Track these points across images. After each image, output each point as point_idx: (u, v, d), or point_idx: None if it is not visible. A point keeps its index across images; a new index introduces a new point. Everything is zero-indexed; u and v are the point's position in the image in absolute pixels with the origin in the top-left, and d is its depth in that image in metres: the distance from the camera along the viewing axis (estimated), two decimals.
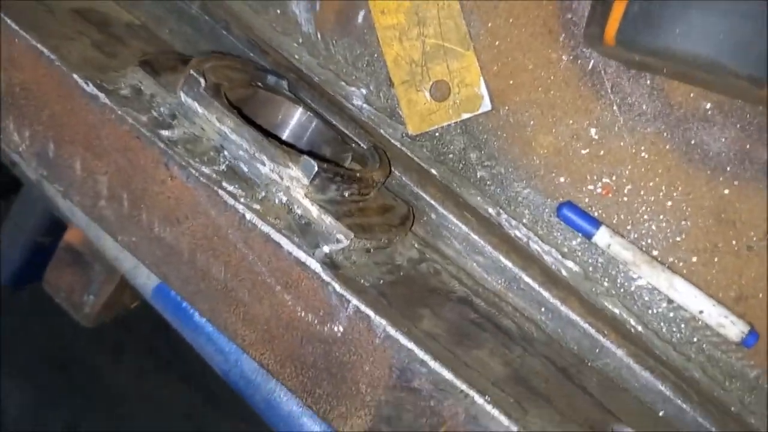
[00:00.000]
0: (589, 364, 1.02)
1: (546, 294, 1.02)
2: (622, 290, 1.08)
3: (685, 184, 1.03)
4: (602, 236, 1.05)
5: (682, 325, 1.07)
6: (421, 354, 0.79)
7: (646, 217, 1.05)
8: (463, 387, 0.78)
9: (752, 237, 1.01)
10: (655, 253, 1.06)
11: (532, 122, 1.08)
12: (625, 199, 1.06)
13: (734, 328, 1.01)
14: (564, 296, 1.03)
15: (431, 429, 0.81)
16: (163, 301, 1.15)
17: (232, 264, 0.86)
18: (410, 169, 1.10)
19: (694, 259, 1.04)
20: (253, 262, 0.85)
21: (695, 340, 1.06)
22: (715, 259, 1.03)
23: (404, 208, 1.03)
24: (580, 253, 1.09)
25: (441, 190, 1.09)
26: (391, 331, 0.80)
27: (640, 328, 1.07)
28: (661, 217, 1.05)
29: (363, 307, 0.81)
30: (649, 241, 1.06)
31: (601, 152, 1.05)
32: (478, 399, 0.78)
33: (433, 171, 1.13)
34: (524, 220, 1.11)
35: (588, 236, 1.06)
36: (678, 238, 1.04)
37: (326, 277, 0.82)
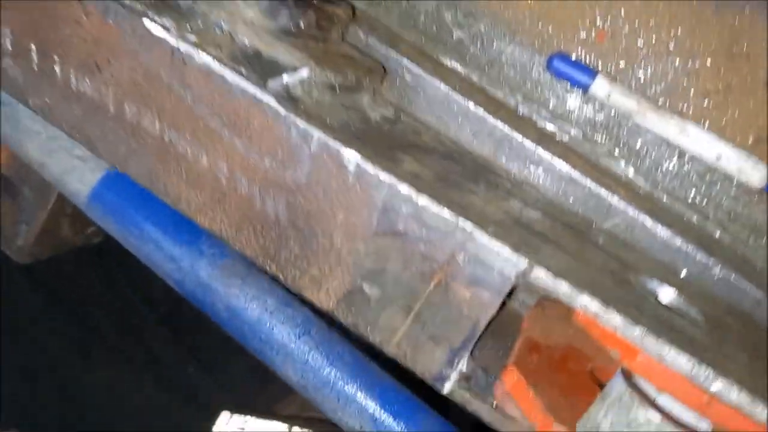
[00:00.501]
0: (597, 226, 0.88)
1: (542, 152, 0.89)
2: (626, 149, 0.95)
3: (689, 17, 0.90)
4: (600, 86, 0.92)
5: (697, 180, 0.94)
6: (405, 189, 0.65)
7: (648, 61, 0.92)
8: (461, 222, 0.64)
9: None
10: (661, 101, 0.93)
11: None
12: (623, 43, 0.93)
13: (756, 172, 0.88)
14: (563, 153, 0.89)
15: (423, 278, 0.66)
16: (101, 207, 0.99)
17: (168, 111, 0.71)
18: (377, 30, 0.95)
19: (705, 102, 0.91)
20: (192, 104, 0.70)
21: (712, 194, 0.93)
22: (729, 100, 0.91)
23: (374, 62, 0.88)
24: (576, 112, 0.96)
25: (415, 49, 0.94)
26: (367, 166, 0.66)
27: (649, 188, 0.94)
28: (665, 58, 0.92)
29: (330, 141, 0.66)
30: (654, 88, 0.93)
31: None
32: (480, 235, 0.64)
33: (404, 37, 0.98)
34: (511, 82, 0.97)
35: (584, 88, 0.93)
36: (685, 82, 0.91)
37: (283, 111, 0.67)
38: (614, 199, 0.89)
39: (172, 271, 0.98)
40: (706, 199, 0.94)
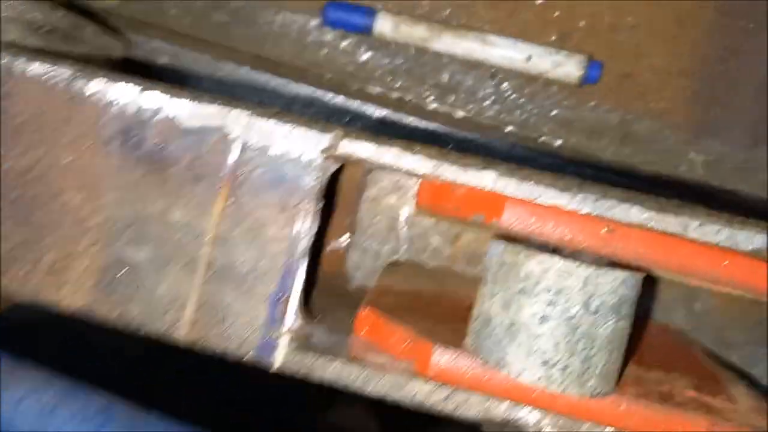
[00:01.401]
0: None
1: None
2: (436, 88, 0.85)
3: None
4: (384, 21, 0.81)
5: (518, 98, 0.84)
6: (153, 95, 0.48)
7: None
8: (236, 111, 0.47)
9: None
10: (454, 23, 0.84)
11: None
12: None
13: (573, 61, 0.80)
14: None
15: (202, 209, 0.48)
16: None
17: None
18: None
19: (489, 15, 0.84)
20: None
21: (538, 107, 0.84)
22: (516, 2, 0.83)
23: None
24: (371, 62, 0.85)
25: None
26: (93, 81, 0.48)
27: (471, 115, 0.83)
28: None
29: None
30: (442, 12, 0.84)
31: None
32: (265, 121, 0.48)
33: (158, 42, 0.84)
34: (287, 47, 0.84)
35: (368, 29, 0.82)
36: None
37: None
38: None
39: None
40: (534, 116, 0.84)
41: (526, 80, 0.84)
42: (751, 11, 0.81)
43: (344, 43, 0.85)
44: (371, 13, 0.82)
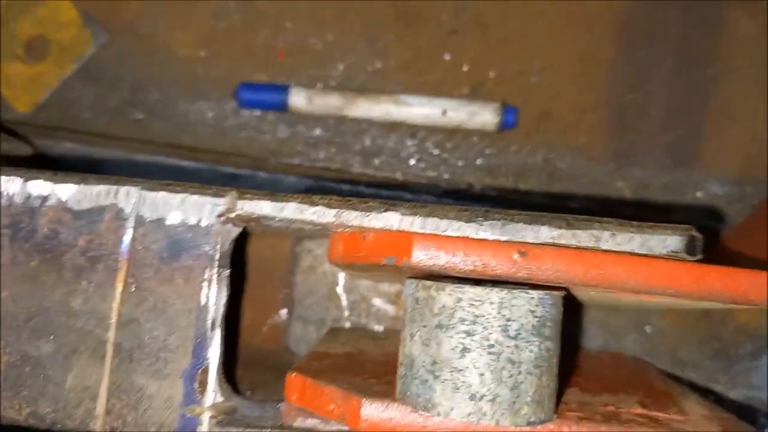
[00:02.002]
0: None
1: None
2: (362, 154, 0.85)
3: (355, 5, 0.87)
4: (297, 95, 0.83)
5: (441, 152, 0.85)
6: (39, 182, 0.47)
7: (334, 57, 0.86)
8: (126, 187, 0.47)
9: (453, 19, 0.85)
10: (367, 89, 0.85)
11: (161, 25, 0.86)
12: (305, 52, 0.86)
13: (487, 110, 0.82)
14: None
15: (103, 290, 0.46)
16: None
17: None
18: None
19: (402, 77, 0.86)
20: None
21: (462, 158, 0.85)
22: (426, 61, 0.86)
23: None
24: (291, 139, 0.85)
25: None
26: None
27: (398, 175, 0.83)
28: (351, 48, 0.86)
29: None
30: (355, 80, 0.86)
31: (252, 18, 0.86)
32: (156, 193, 0.47)
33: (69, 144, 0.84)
34: (206, 134, 0.85)
35: (282, 106, 0.83)
36: (378, 64, 0.86)
37: None
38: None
39: None
40: (460, 167, 0.85)
41: (446, 134, 0.85)
42: (647, 42, 0.84)
43: (262, 123, 0.85)
44: (284, 89, 0.83)
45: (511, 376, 0.41)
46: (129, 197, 0.47)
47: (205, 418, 0.46)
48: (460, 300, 0.42)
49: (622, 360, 0.70)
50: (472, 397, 0.41)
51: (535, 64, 0.85)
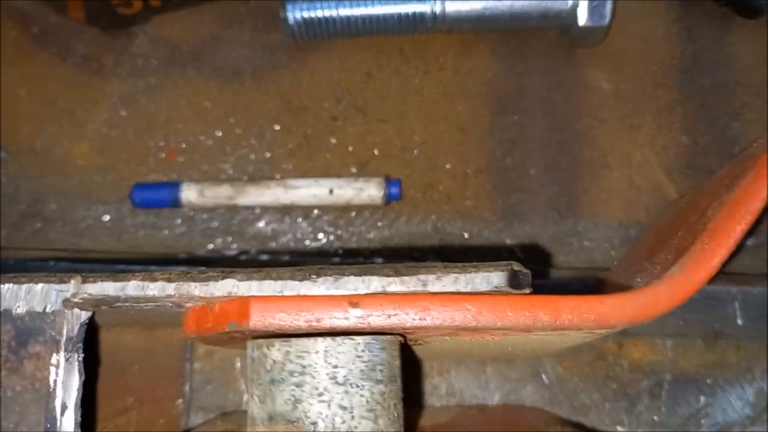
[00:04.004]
0: None
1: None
2: (257, 239, 0.88)
3: (240, 101, 0.92)
4: (188, 190, 0.86)
5: (334, 230, 0.88)
6: None
7: (225, 151, 0.90)
8: None
9: (334, 106, 0.91)
10: (258, 178, 0.89)
11: (57, 139, 0.90)
12: (195, 150, 0.90)
13: (372, 185, 0.85)
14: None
15: None
16: None
17: None
18: None
19: (292, 163, 0.90)
20: None
21: (355, 233, 0.88)
22: (313, 144, 0.90)
23: None
24: (188, 233, 0.88)
25: None
26: None
27: (296, 257, 0.86)
28: (239, 143, 0.90)
29: None
30: (246, 170, 0.90)
31: (143, 123, 0.91)
32: None
33: None
34: (104, 237, 0.87)
35: (176, 201, 0.86)
36: (267, 153, 0.90)
37: None
38: None
39: None
40: (354, 242, 0.87)
41: (338, 212, 0.88)
42: (518, 107, 0.90)
43: (158, 220, 0.88)
44: (174, 186, 0.86)
45: (343, 422, 0.42)
46: None
47: None
48: (288, 353, 0.43)
49: (519, 412, 0.71)
50: None
51: (415, 139, 0.90)
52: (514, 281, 0.48)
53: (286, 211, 0.88)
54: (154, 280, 0.48)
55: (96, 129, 0.90)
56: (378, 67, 0.91)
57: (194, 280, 0.47)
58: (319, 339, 0.43)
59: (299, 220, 0.88)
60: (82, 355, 0.49)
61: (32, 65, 0.92)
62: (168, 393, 0.73)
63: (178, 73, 0.92)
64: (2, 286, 0.48)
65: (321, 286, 0.46)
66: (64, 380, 0.47)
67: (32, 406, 0.47)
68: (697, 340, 0.76)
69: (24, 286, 0.48)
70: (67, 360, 0.48)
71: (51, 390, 0.47)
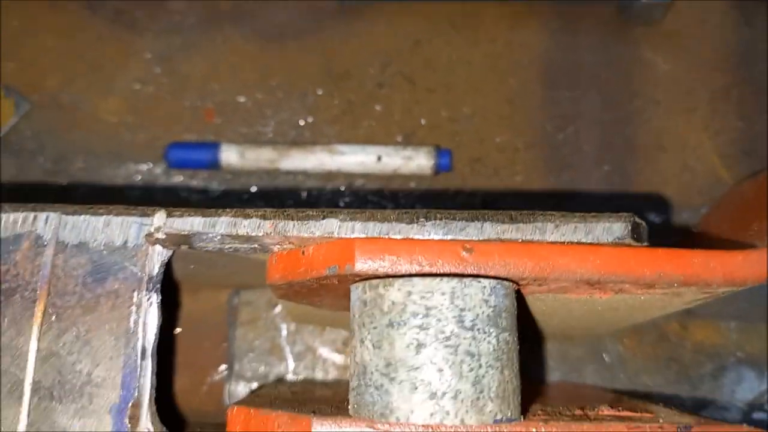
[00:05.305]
0: None
1: None
2: (298, 206, 0.83)
3: (282, 63, 0.87)
4: (229, 152, 0.81)
5: (379, 195, 0.84)
6: None
7: (265, 114, 0.86)
8: (39, 213, 0.43)
9: (380, 73, 0.87)
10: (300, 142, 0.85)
11: (85, 94, 0.85)
12: (233, 110, 0.86)
13: (422, 154, 0.82)
14: None
15: (20, 325, 0.42)
16: None
17: None
18: None
19: (338, 127, 0.86)
20: None
21: (399, 203, 0.84)
22: (356, 113, 0.86)
23: None
24: (223, 198, 0.83)
25: None
26: None
27: None
28: (280, 104, 0.86)
29: None
30: (286, 135, 0.85)
31: (177, 82, 0.86)
32: (75, 217, 0.44)
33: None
34: (136, 197, 0.82)
35: (214, 163, 0.81)
36: (310, 118, 0.86)
37: None
38: None
39: None
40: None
41: (384, 180, 0.84)
42: (571, 83, 0.87)
43: (194, 182, 0.83)
44: (214, 146, 0.81)
45: (471, 369, 0.39)
46: (48, 223, 0.43)
47: None
48: (410, 294, 0.39)
49: (582, 388, 0.68)
50: (433, 396, 0.38)
51: (464, 111, 0.86)
52: (636, 232, 0.45)
53: (329, 177, 0.84)
54: (247, 216, 0.44)
55: (127, 86, 0.85)
56: (427, 36, 0.88)
57: (292, 219, 0.43)
58: (445, 279, 0.39)
59: (342, 188, 0.84)
60: (160, 297, 0.44)
61: (61, 15, 0.86)
62: (211, 359, 0.68)
63: (216, 31, 0.87)
64: (78, 217, 0.43)
65: (430, 231, 0.43)
66: (145, 321, 0.43)
67: (109, 349, 0.42)
68: (762, 324, 0.73)
69: (102, 218, 0.44)
70: (148, 299, 0.43)
71: (132, 331, 0.42)
